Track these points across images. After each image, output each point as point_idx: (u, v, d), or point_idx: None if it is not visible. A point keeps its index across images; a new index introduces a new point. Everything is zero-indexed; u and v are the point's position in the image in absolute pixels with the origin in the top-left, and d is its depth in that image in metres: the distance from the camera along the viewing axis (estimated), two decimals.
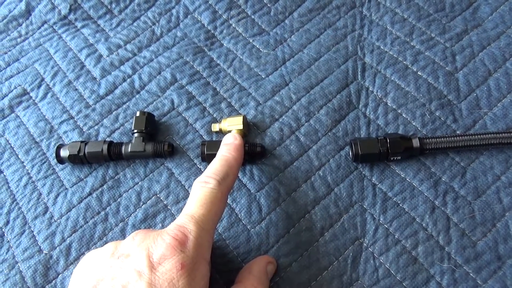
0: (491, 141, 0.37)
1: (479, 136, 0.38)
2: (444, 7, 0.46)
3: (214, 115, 0.44)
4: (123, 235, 0.39)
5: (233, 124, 0.41)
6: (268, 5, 0.50)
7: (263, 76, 0.46)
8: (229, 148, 0.36)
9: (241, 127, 0.40)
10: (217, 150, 0.37)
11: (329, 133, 0.42)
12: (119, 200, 0.41)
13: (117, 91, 0.47)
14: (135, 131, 0.42)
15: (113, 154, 0.42)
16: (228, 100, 0.45)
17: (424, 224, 0.37)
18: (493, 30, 0.44)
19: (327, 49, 0.46)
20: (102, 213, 0.41)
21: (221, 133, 0.42)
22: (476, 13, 0.46)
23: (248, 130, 0.43)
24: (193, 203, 0.30)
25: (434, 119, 0.41)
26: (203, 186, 0.31)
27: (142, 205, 0.41)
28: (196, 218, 0.29)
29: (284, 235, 0.38)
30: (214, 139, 0.43)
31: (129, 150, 0.41)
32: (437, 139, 0.38)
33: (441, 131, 0.40)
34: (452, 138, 0.38)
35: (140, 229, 0.39)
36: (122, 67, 0.48)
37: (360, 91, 0.43)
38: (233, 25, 0.49)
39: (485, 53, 0.43)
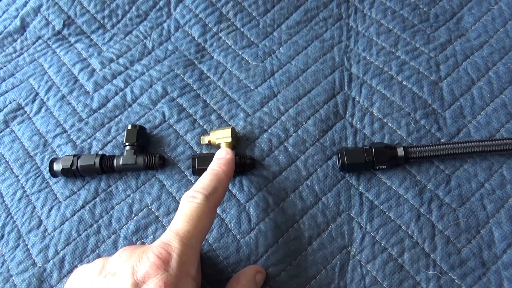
0: (475, 149, 0.38)
1: (463, 144, 0.38)
2: (428, 18, 0.47)
3: (204, 127, 0.45)
4: (115, 247, 0.40)
5: (221, 137, 0.42)
6: (257, 18, 0.51)
7: (252, 88, 0.46)
8: (219, 162, 0.36)
9: (229, 139, 0.41)
10: (207, 165, 0.38)
11: (317, 143, 0.42)
12: (111, 212, 0.42)
13: (110, 105, 0.48)
14: (127, 144, 0.43)
15: (105, 167, 0.42)
16: (218, 112, 0.46)
17: (409, 232, 0.37)
18: (476, 40, 0.45)
19: (314, 61, 0.47)
20: (95, 225, 0.41)
21: (210, 145, 0.43)
22: (459, 23, 0.47)
23: (238, 142, 0.43)
24: (179, 218, 0.31)
25: (419, 128, 0.41)
26: (190, 201, 0.32)
27: (134, 217, 0.41)
28: (181, 235, 0.29)
29: (273, 244, 0.39)
30: (204, 151, 0.43)
31: (120, 163, 0.42)
32: (422, 148, 0.39)
33: (426, 139, 0.41)
34: (437, 147, 0.39)
35: (131, 241, 0.40)
36: (114, 81, 0.49)
37: (347, 101, 0.44)
38: (223, 38, 0.50)
39: (469, 62, 0.44)
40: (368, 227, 0.38)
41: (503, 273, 0.35)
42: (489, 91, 0.42)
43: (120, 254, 0.30)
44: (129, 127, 0.43)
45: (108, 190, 0.43)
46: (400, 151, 0.38)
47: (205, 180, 0.34)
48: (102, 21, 0.54)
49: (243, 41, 0.50)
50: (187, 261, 0.29)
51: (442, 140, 0.41)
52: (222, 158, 0.37)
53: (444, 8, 0.47)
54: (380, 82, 0.44)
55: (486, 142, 0.38)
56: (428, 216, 0.38)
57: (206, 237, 0.39)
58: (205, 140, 0.43)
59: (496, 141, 0.38)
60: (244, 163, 0.40)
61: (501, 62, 0.43)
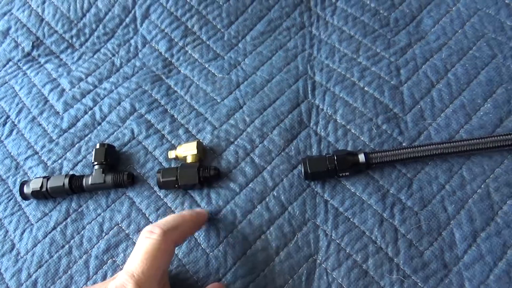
0: (435, 151, 0.39)
1: (423, 147, 0.39)
2: (388, 23, 0.48)
3: (173, 142, 0.45)
4: (86, 267, 0.40)
5: (187, 150, 0.42)
6: (222, 30, 0.51)
7: (219, 101, 0.47)
8: (191, 210, 0.38)
9: (195, 152, 0.42)
10: (172, 176, 0.39)
11: (282, 153, 0.43)
12: (82, 232, 0.42)
13: (79, 124, 0.48)
14: (95, 163, 0.43)
15: (74, 188, 0.43)
16: (186, 126, 0.46)
17: (373, 237, 0.38)
18: (435, 42, 0.46)
19: (279, 70, 0.47)
20: (66, 246, 0.42)
21: (178, 159, 0.43)
22: (419, 26, 0.47)
23: (204, 155, 0.44)
24: (135, 257, 0.30)
25: (381, 133, 0.42)
26: (147, 237, 0.31)
27: (104, 235, 0.42)
28: (135, 277, 0.29)
29: (241, 256, 0.39)
30: (172, 165, 0.44)
31: (89, 182, 0.43)
32: (383, 153, 0.39)
33: (388, 144, 0.41)
34: (397, 151, 0.39)
35: (103, 260, 0.40)
36: (83, 100, 0.50)
37: (311, 110, 0.45)
38: (189, 51, 0.51)
39: (428, 65, 0.45)
40: (333, 235, 0.39)
41: (464, 273, 0.35)
42: (448, 93, 0.43)
43: None
44: (98, 146, 0.44)
45: (79, 210, 0.43)
46: (362, 158, 0.39)
47: (167, 218, 0.34)
48: (70, 41, 0.54)
49: (209, 54, 0.50)
50: None
51: (403, 144, 0.41)
52: (195, 210, 0.39)
53: (404, 12, 0.48)
54: (343, 89, 0.45)
55: (445, 144, 0.39)
56: (391, 220, 0.38)
57: (176, 252, 0.40)
58: (172, 154, 0.43)
59: (456, 143, 0.39)
60: (208, 174, 0.41)
61: (459, 64, 0.44)
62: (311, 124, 0.44)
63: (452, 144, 0.39)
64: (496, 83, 0.42)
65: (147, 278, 0.29)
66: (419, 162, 0.40)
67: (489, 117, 0.41)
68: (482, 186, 0.38)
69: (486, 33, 0.45)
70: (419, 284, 0.36)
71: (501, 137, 0.38)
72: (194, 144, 0.42)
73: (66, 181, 0.43)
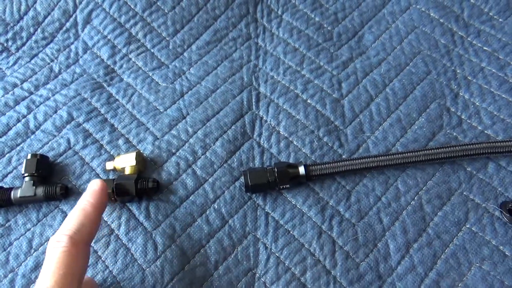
0: (372, 164, 0.40)
1: (361, 160, 0.40)
2: (332, 37, 0.49)
3: (111, 152, 0.44)
4: (12, 287, 0.38)
5: (126, 161, 0.41)
6: (167, 38, 0.50)
7: (161, 110, 0.46)
8: (86, 195, 0.35)
9: (134, 163, 0.40)
10: (108, 189, 0.38)
11: (225, 165, 0.42)
12: (9, 249, 0.39)
13: (11, 133, 0.45)
14: (26, 174, 0.41)
15: (1, 201, 0.40)
16: (126, 136, 0.44)
17: (312, 250, 0.38)
18: (375, 57, 0.47)
19: (223, 81, 0.47)
20: None
21: (116, 171, 0.42)
22: (361, 41, 0.49)
23: (145, 166, 0.43)
24: (46, 270, 0.28)
25: (322, 145, 0.43)
26: (55, 247, 0.29)
27: (33, 252, 0.39)
28: None
29: (179, 272, 0.38)
30: (110, 177, 0.42)
31: (18, 195, 0.40)
32: (322, 166, 0.40)
33: (329, 156, 0.42)
34: (336, 164, 0.40)
35: (30, 279, 0.37)
36: (17, 107, 0.47)
37: (255, 121, 0.44)
38: (133, 59, 0.49)
39: (368, 80, 0.46)
40: (273, 248, 0.38)
41: (398, 284, 0.36)
42: (385, 107, 0.44)
43: None
44: (29, 156, 0.41)
45: (6, 225, 0.40)
46: (301, 170, 0.39)
47: (69, 219, 0.32)
48: (5, 44, 0.51)
49: (153, 62, 0.49)
50: None
51: (343, 156, 0.42)
52: (89, 190, 0.35)
53: (347, 27, 0.49)
54: (286, 101, 0.45)
55: (382, 157, 0.40)
56: (329, 232, 0.39)
57: (110, 269, 0.38)
58: (110, 165, 0.42)
59: (391, 156, 0.40)
60: (146, 187, 0.39)
61: (397, 79, 0.45)
62: (255, 135, 0.44)
63: (388, 157, 0.40)
64: (430, 98, 0.44)
65: (62, 286, 0.28)
66: (357, 175, 0.41)
67: (423, 131, 0.42)
68: (416, 198, 0.40)
69: (422, 50, 0.47)
70: None
71: (433, 150, 0.40)
72: (133, 155, 0.41)
73: None
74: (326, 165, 0.40)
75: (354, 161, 0.40)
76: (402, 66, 0.46)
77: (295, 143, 0.43)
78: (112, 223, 0.40)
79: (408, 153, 0.40)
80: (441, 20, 0.49)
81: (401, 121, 0.43)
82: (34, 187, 0.40)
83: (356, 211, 0.39)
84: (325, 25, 0.50)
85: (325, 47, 0.48)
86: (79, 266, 0.30)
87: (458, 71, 0.46)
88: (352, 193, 0.40)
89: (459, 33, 0.48)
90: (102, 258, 0.39)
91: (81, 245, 0.31)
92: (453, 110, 0.44)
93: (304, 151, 0.42)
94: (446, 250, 0.37)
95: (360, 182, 0.41)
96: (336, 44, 0.48)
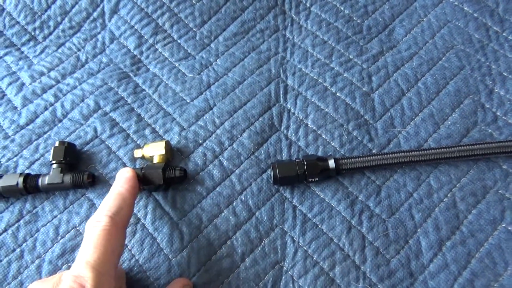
0: (404, 159, 0.39)
1: (392, 154, 0.39)
2: (361, 30, 0.48)
3: (138, 142, 0.43)
4: (39, 272, 0.38)
5: (155, 150, 0.40)
6: (194, 29, 0.50)
7: (188, 101, 0.45)
8: (120, 181, 0.35)
9: (163, 152, 0.40)
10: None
11: (252, 157, 0.42)
12: (36, 235, 0.39)
13: (38, 120, 0.45)
14: (54, 162, 0.41)
15: (29, 187, 0.40)
16: (153, 126, 0.44)
17: (341, 244, 0.37)
18: (407, 51, 0.46)
19: (251, 72, 0.47)
20: (17, 250, 0.39)
21: (144, 159, 0.41)
22: (391, 35, 0.47)
23: (172, 156, 0.42)
24: (87, 246, 0.29)
25: (351, 139, 0.42)
26: (95, 226, 0.30)
27: (60, 239, 0.39)
28: (91, 263, 0.28)
29: (205, 263, 0.38)
30: (137, 166, 0.42)
31: (46, 182, 0.40)
32: (353, 159, 0.39)
33: (358, 150, 0.41)
34: (367, 158, 0.39)
35: (57, 265, 0.38)
36: (44, 95, 0.47)
37: (282, 114, 0.44)
38: (159, 49, 0.49)
39: (399, 74, 0.45)
40: (300, 241, 0.38)
41: (430, 282, 0.35)
42: (417, 102, 0.43)
43: None
44: (57, 144, 0.41)
45: (34, 211, 0.41)
46: (331, 163, 0.38)
47: (108, 202, 0.33)
48: (33, 33, 0.51)
49: (180, 53, 0.49)
50: None
51: (373, 151, 0.41)
52: (122, 177, 0.36)
53: (377, 20, 0.48)
54: (315, 93, 0.44)
55: (414, 153, 0.39)
56: (358, 227, 0.38)
57: (136, 257, 0.38)
58: (138, 153, 0.41)
59: (424, 151, 0.39)
60: (173, 175, 0.39)
61: (429, 73, 0.44)
62: (282, 128, 0.43)
63: (421, 152, 0.39)
64: (464, 93, 0.43)
65: (103, 262, 0.28)
66: (388, 170, 0.40)
67: (456, 127, 0.41)
68: (449, 195, 0.38)
69: (455, 45, 0.46)
70: None
71: (467, 147, 0.38)
72: (163, 144, 0.40)
73: (20, 180, 0.40)
74: (357, 159, 0.39)
75: (386, 155, 0.39)
76: (434, 61, 0.45)
77: (323, 136, 0.42)
78: (139, 212, 0.40)
79: (442, 149, 0.38)
80: (475, 15, 0.47)
81: (433, 117, 0.42)
82: (62, 174, 0.40)
83: (386, 207, 0.38)
84: (354, 18, 0.49)
85: (354, 40, 0.47)
86: (118, 245, 0.31)
87: (493, 66, 0.44)
88: (383, 188, 0.39)
89: (494, 28, 0.47)
90: (128, 247, 0.38)
91: (120, 226, 0.31)
92: (488, 106, 0.42)
93: (333, 144, 0.42)
94: (480, 249, 0.36)
95: (391, 177, 0.40)
96: (365, 37, 0.47)
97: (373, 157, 0.39)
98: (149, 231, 0.39)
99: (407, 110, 0.43)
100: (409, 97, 0.43)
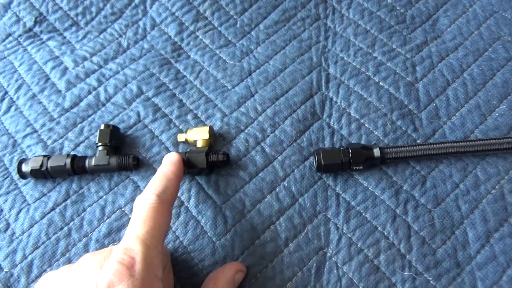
0: (450, 150, 0.38)
1: (438, 145, 0.39)
2: (405, 19, 0.47)
3: (180, 127, 0.44)
4: (86, 250, 0.39)
5: (199, 134, 0.41)
6: (235, 17, 0.50)
7: (229, 88, 0.46)
8: (166, 164, 0.36)
9: (207, 136, 0.40)
10: None
11: (294, 144, 0.42)
12: (82, 214, 0.40)
13: (82, 104, 0.46)
14: (100, 144, 0.42)
15: (76, 168, 0.41)
16: (194, 111, 0.45)
17: (385, 233, 0.37)
18: (452, 42, 0.45)
19: (292, 60, 0.47)
20: (65, 228, 0.40)
21: (187, 143, 0.42)
22: (435, 25, 0.47)
23: (215, 141, 0.43)
24: (136, 222, 0.30)
25: (395, 129, 0.41)
26: (143, 204, 0.31)
27: (106, 219, 0.40)
28: (141, 237, 0.28)
29: (249, 246, 0.38)
30: (180, 150, 0.43)
31: (93, 163, 0.41)
32: (398, 149, 0.39)
33: (402, 140, 0.41)
34: (412, 147, 0.39)
35: (103, 244, 0.38)
36: (87, 80, 0.48)
37: (324, 102, 0.44)
38: (200, 36, 0.50)
39: (444, 64, 0.44)
40: (344, 228, 0.38)
41: (477, 273, 0.35)
42: (463, 93, 0.42)
43: (81, 262, 0.28)
44: (102, 127, 0.42)
45: (80, 192, 0.42)
46: (377, 152, 0.38)
47: (155, 181, 0.34)
48: (75, 18, 0.52)
49: (220, 40, 0.49)
50: (152, 264, 0.28)
51: (418, 141, 0.41)
52: (168, 160, 0.37)
53: (420, 10, 0.48)
54: (357, 82, 0.44)
55: (460, 143, 0.39)
56: (404, 217, 0.38)
57: (181, 239, 0.39)
58: (181, 137, 0.42)
59: (471, 142, 0.38)
60: (217, 159, 0.39)
61: (475, 64, 0.44)
62: (324, 116, 0.43)
63: (467, 143, 0.38)
64: None
65: (152, 237, 0.29)
66: (433, 160, 0.40)
67: (504, 118, 0.41)
68: (496, 187, 0.38)
69: (502, 36, 0.45)
70: (431, 282, 0.35)
71: None
72: (206, 128, 0.41)
73: (68, 161, 0.41)
74: (403, 148, 0.38)
75: (432, 145, 0.38)
76: (480, 52, 0.44)
77: (366, 125, 0.42)
78: (182, 195, 0.41)
79: (490, 140, 0.38)
80: None
81: (480, 108, 0.41)
82: (108, 156, 0.41)
83: (432, 197, 0.38)
84: (397, 7, 0.48)
85: (397, 30, 0.47)
86: (165, 222, 0.31)
87: None
88: (428, 178, 0.39)
89: None
90: (172, 229, 0.39)
91: (166, 204, 0.32)
92: None
93: (376, 133, 0.42)
94: None
95: (436, 168, 0.39)
96: (409, 27, 0.47)
97: (419, 146, 0.39)
98: (193, 214, 0.40)
99: (452, 101, 0.42)
100: (455, 87, 0.43)
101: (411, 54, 0.45)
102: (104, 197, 0.41)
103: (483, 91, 0.42)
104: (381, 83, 0.44)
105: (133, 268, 0.27)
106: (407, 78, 0.44)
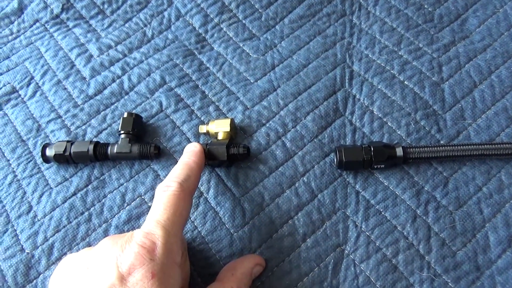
0: (474, 152, 0.38)
1: (462, 147, 0.38)
2: (432, 18, 0.47)
3: (202, 118, 0.44)
4: (106, 236, 0.39)
5: (220, 126, 0.41)
6: (260, 10, 0.50)
7: (252, 81, 0.46)
8: (188, 154, 0.37)
9: (228, 129, 0.41)
10: None
11: (315, 140, 0.42)
12: (103, 200, 0.41)
13: (106, 92, 0.47)
14: (122, 132, 0.42)
15: (99, 155, 0.42)
16: (216, 103, 0.45)
17: (405, 233, 0.37)
18: (480, 43, 0.45)
19: (316, 56, 0.46)
20: (86, 213, 0.40)
21: (208, 135, 0.42)
22: (464, 25, 0.46)
23: (236, 134, 0.43)
24: (157, 208, 0.30)
25: (418, 129, 0.41)
26: (165, 191, 0.31)
27: (126, 206, 0.41)
28: (162, 222, 0.29)
29: (266, 240, 0.38)
30: (200, 141, 0.43)
31: (115, 151, 0.41)
32: (421, 149, 0.38)
33: (426, 140, 0.40)
34: (436, 148, 0.38)
35: (123, 230, 0.39)
36: (112, 68, 0.48)
37: (347, 99, 0.43)
38: (224, 29, 0.50)
39: (471, 65, 0.43)
40: (363, 226, 0.38)
41: (497, 278, 0.35)
42: (490, 95, 0.42)
43: (103, 245, 0.29)
44: (125, 115, 0.43)
45: (101, 178, 0.42)
46: (399, 151, 0.38)
47: (177, 170, 0.34)
48: (101, 7, 0.53)
49: (245, 33, 0.49)
50: (172, 249, 0.28)
51: (441, 142, 0.40)
52: (190, 150, 0.37)
53: (449, 9, 0.47)
54: (382, 80, 0.44)
55: (485, 146, 0.38)
56: (424, 217, 0.37)
57: (199, 229, 0.39)
58: (203, 129, 0.42)
59: (496, 145, 0.38)
60: (237, 152, 0.39)
61: (504, 66, 0.43)
62: (347, 113, 0.43)
63: (494, 146, 0.38)
64: None
65: (172, 223, 0.29)
66: (456, 162, 0.39)
67: None
68: None
69: None
70: (450, 284, 0.35)
71: None
72: (228, 121, 0.41)
73: (91, 147, 0.41)
74: (426, 148, 0.38)
75: (456, 147, 0.38)
76: (510, 54, 0.44)
77: (389, 124, 0.42)
78: (202, 186, 0.41)
79: None
80: None
81: (507, 111, 0.41)
82: (130, 144, 0.41)
83: (454, 199, 0.38)
84: (425, 6, 0.47)
85: (425, 29, 0.46)
86: (185, 211, 0.32)
87: None
88: (450, 180, 0.39)
89: None
90: (191, 219, 0.39)
91: (187, 193, 0.32)
92: None
93: (399, 133, 0.41)
94: None
95: (459, 170, 0.39)
96: (437, 26, 0.46)
97: (443, 147, 0.38)
98: (212, 205, 0.40)
99: (478, 103, 0.41)
100: (482, 89, 0.42)
101: (438, 54, 0.45)
102: (124, 184, 0.42)
103: (511, 94, 0.41)
104: (405, 82, 0.43)
105: (153, 252, 0.27)
106: (433, 78, 0.43)
